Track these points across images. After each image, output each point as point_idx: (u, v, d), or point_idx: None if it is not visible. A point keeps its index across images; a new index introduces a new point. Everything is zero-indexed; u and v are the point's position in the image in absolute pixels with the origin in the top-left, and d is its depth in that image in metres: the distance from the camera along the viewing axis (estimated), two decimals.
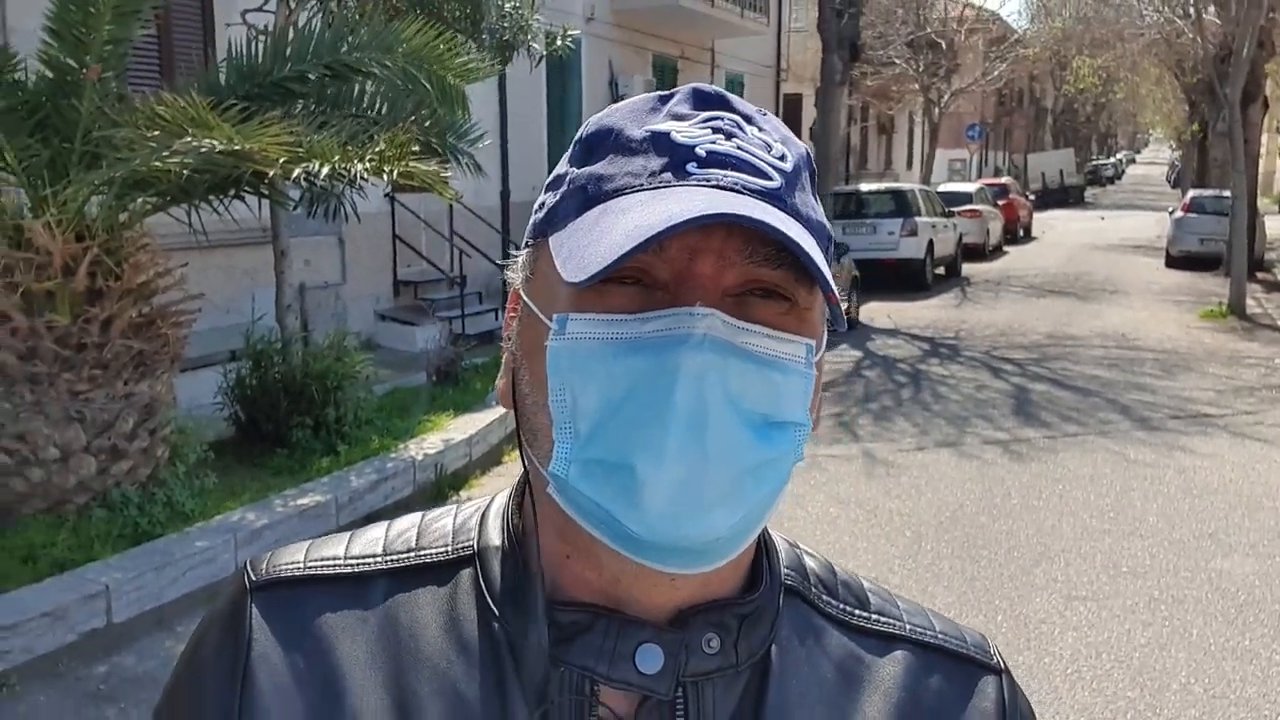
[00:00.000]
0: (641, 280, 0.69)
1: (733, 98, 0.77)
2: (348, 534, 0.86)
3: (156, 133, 5.08)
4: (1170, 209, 24.84)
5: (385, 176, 5.41)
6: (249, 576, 0.82)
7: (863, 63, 21.88)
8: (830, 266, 0.73)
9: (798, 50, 26.08)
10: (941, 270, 20.56)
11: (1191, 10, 20.43)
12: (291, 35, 6.49)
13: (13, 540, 5.21)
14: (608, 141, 0.74)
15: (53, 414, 5.42)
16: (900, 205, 18.92)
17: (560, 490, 0.71)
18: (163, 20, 9.15)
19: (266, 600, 0.80)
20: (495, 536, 0.82)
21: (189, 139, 4.93)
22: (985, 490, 7.47)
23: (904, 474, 7.85)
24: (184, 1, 9.55)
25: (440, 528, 0.85)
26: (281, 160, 5.09)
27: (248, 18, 7.68)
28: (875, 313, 16.12)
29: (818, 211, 0.75)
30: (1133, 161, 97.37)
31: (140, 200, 5.75)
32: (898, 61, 27.57)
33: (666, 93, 0.77)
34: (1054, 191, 45.33)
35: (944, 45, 29.20)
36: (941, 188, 26.21)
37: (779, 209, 0.70)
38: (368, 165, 5.24)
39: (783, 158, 0.74)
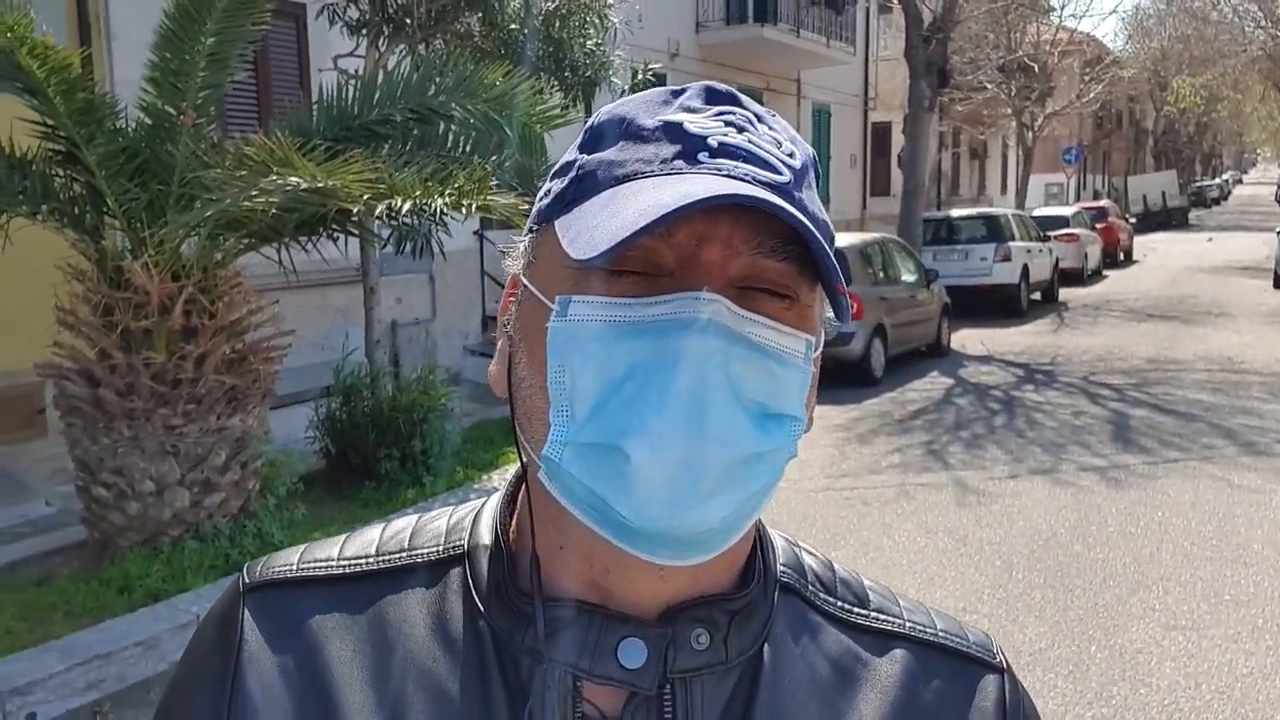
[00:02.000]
0: (645, 270, 0.69)
1: (743, 97, 0.77)
2: (344, 536, 0.87)
3: (244, 173, 5.23)
4: (1278, 229, 24.02)
5: (465, 210, 5.49)
6: (243, 579, 0.83)
7: (952, 88, 21.64)
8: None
9: (886, 78, 25.91)
10: (1037, 296, 20.12)
11: None
12: (380, 79, 6.66)
13: (110, 572, 5.38)
14: (619, 129, 0.74)
15: (149, 448, 5.59)
16: (993, 230, 18.57)
17: (552, 475, 0.70)
18: (261, 68, 9.50)
19: (258, 602, 0.81)
20: (486, 535, 0.82)
21: (274, 178, 5.07)
22: (1080, 518, 7.26)
23: (995, 502, 7.67)
24: (281, 49, 9.88)
25: (435, 528, 0.85)
26: (365, 197, 5.20)
27: (339, 63, 7.92)
28: (968, 339, 15.84)
29: (823, 211, 0.75)
30: (1239, 182, 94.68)
31: (232, 240, 5.93)
32: (989, 86, 27.22)
33: (678, 88, 0.77)
34: (1156, 214, 44.16)
35: (1036, 68, 28.75)
36: (1037, 212, 25.67)
37: (788, 203, 0.69)
38: (447, 200, 5.32)
39: (791, 155, 0.73)
